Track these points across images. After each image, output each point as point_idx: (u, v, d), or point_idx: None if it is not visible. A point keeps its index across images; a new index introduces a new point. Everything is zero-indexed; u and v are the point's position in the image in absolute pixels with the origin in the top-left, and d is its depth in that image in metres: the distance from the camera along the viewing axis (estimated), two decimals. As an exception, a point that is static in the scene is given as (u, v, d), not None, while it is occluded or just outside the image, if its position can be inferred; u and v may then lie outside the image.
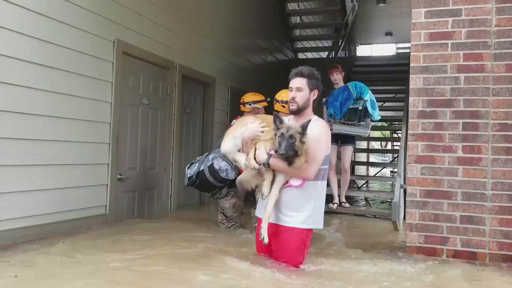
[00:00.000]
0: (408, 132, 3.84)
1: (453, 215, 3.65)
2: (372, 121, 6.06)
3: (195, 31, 6.29)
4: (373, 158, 19.09)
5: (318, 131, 2.97)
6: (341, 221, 5.64)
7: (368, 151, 15.31)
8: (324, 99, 6.21)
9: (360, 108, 5.88)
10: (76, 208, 4.35)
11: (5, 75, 3.62)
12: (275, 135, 2.89)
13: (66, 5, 4.17)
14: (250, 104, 4.72)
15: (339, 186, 6.11)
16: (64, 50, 4.16)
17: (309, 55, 11.93)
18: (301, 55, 11.59)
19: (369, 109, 5.74)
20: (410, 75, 3.83)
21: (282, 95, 4.54)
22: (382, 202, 7.72)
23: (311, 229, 3.12)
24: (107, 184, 4.72)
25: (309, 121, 2.86)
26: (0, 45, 3.56)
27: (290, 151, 2.80)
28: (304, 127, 2.84)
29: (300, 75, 3.14)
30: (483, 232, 3.58)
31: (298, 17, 11.30)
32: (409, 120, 3.81)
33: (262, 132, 3.16)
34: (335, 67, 6.39)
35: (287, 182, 3.05)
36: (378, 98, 10.29)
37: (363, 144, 15.82)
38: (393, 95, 9.90)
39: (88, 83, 4.45)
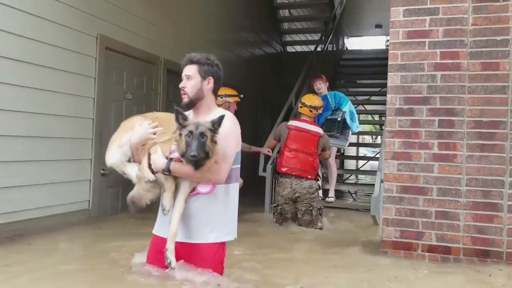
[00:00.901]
0: (386, 129, 3.90)
1: (428, 211, 3.73)
2: (352, 133, 6.09)
3: (180, 26, 6.30)
4: (365, 151, 19.19)
5: (227, 126, 2.43)
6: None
7: (358, 145, 15.43)
8: None
9: (339, 119, 5.96)
10: (59, 204, 4.38)
11: (-15, 71, 3.63)
12: (180, 134, 2.31)
13: (47, 1, 4.17)
14: (221, 97, 4.78)
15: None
16: (45, 46, 4.16)
17: (298, 48, 11.95)
18: (290, 49, 11.61)
19: (348, 120, 5.75)
20: (388, 73, 3.88)
21: (310, 99, 4.71)
22: (368, 196, 7.81)
23: (225, 242, 2.59)
24: (90, 180, 4.75)
25: (221, 117, 2.34)
26: (-20, 42, 3.57)
27: (202, 153, 2.26)
28: (215, 123, 2.32)
29: (190, 61, 2.58)
30: (458, 227, 3.66)
31: (287, 10, 11.30)
32: (387, 117, 3.87)
33: (154, 134, 2.51)
34: (318, 77, 6.39)
35: (193, 189, 2.47)
36: (365, 92, 10.46)
37: (353, 138, 15.95)
38: (379, 89, 9.95)
39: (70, 79, 4.46)
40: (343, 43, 12.79)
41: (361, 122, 13.23)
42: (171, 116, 2.42)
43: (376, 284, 2.95)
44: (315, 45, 9.47)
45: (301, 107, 5.08)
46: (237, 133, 2.53)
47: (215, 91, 2.59)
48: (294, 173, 4.79)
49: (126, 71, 5.30)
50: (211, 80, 2.55)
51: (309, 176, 4.79)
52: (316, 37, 12.22)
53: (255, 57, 9.46)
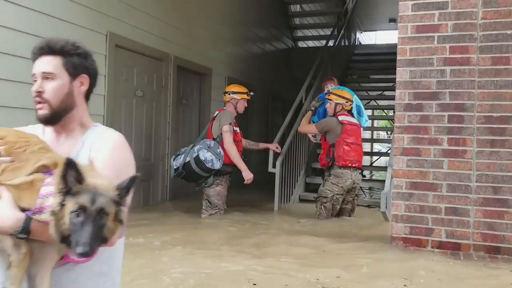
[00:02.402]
0: (395, 124, 3.87)
1: (438, 207, 3.70)
2: (363, 128, 5.96)
3: (190, 22, 6.32)
4: (379, 147, 19.06)
5: (119, 158, 1.48)
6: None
7: (372, 140, 15.36)
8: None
9: None
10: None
11: (-3, 70, 3.69)
12: (62, 204, 1.16)
13: None
14: (229, 94, 4.81)
15: None
16: (56, 44, 4.20)
17: (310, 43, 11.90)
18: (301, 44, 11.57)
19: (355, 115, 5.69)
20: (397, 68, 3.85)
21: (347, 94, 5.17)
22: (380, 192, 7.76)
23: None
24: (101, 176, 4.79)
25: (132, 179, 1.23)
26: (-9, 41, 3.63)
27: (96, 245, 1.18)
28: (123, 189, 1.23)
29: (48, 50, 1.52)
30: (468, 223, 3.63)
31: (298, 5, 11.25)
32: (396, 112, 3.85)
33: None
34: (330, 79, 6.38)
35: (62, 257, 1.32)
36: (377, 87, 10.37)
37: (366, 134, 15.86)
38: (392, 84, 9.87)
39: (81, 77, 4.50)
40: (356, 38, 12.69)
41: (375, 118, 13.25)
42: (27, 137, 1.38)
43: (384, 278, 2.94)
44: (326, 40, 9.42)
45: (347, 102, 5.25)
46: (132, 164, 1.52)
47: (88, 96, 1.57)
48: (354, 165, 5.06)
49: (136, 68, 5.34)
50: (86, 80, 1.53)
51: (361, 166, 5.25)
52: (328, 32, 12.15)
53: (266, 53, 9.45)
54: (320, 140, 5.53)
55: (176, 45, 5.98)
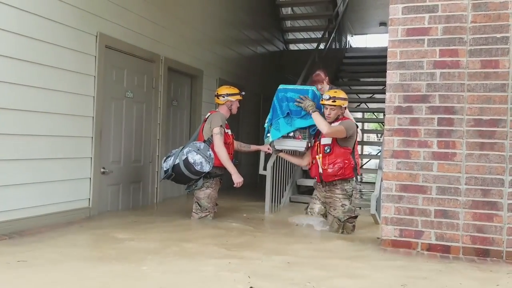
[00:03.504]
0: (385, 127, 3.88)
1: (427, 209, 3.71)
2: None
3: (181, 24, 6.30)
4: (370, 149, 19.13)
5: None
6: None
7: (363, 143, 15.37)
8: None
9: None
10: (59, 202, 4.39)
11: (-16, 70, 3.64)
12: None
13: None
14: (223, 97, 4.77)
15: None
16: (45, 44, 4.17)
17: (301, 46, 11.93)
18: (292, 47, 11.60)
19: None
20: (387, 71, 3.86)
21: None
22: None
23: None
24: (90, 178, 4.76)
25: None
26: (-22, 41, 3.58)
27: None
28: None
29: None
30: (457, 226, 3.64)
31: (290, 8, 11.28)
32: (386, 115, 3.85)
33: None
34: (316, 75, 5.86)
35: None
36: (368, 90, 10.42)
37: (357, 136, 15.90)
38: (383, 87, 9.92)
39: (70, 77, 4.47)
40: (346, 41, 12.74)
41: (365, 120, 13.30)
42: None
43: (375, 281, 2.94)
44: (316, 43, 9.45)
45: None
46: None
47: None
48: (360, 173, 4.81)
49: (126, 70, 5.31)
50: None
51: None
52: (319, 35, 12.20)
53: (257, 55, 9.45)
54: (308, 148, 4.59)
55: (166, 46, 5.96)
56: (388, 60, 3.85)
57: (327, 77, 5.99)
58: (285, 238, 4.15)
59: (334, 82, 9.83)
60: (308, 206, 4.62)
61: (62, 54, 4.36)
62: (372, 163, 11.65)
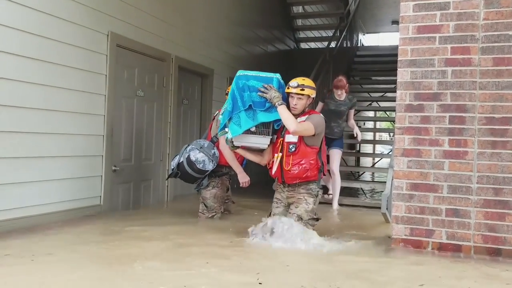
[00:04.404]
0: (395, 125, 3.85)
1: (438, 208, 3.68)
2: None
3: (192, 22, 6.32)
4: (382, 148, 19.01)
5: None
6: (333, 212, 5.72)
7: (375, 142, 15.31)
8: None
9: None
10: (71, 199, 4.44)
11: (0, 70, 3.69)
12: None
13: (58, -1, 4.23)
14: None
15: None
16: (57, 43, 4.21)
17: (312, 45, 11.90)
18: (303, 45, 11.57)
19: None
20: (398, 69, 3.83)
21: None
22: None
23: None
24: (101, 176, 4.80)
25: None
26: (-8, 40, 3.63)
27: None
28: None
29: None
30: (468, 225, 3.60)
31: (301, 6, 11.26)
32: (397, 113, 3.83)
33: None
34: (339, 80, 6.02)
35: None
36: (379, 88, 10.35)
37: (369, 135, 15.84)
38: (394, 85, 9.85)
39: (81, 76, 4.51)
40: (358, 40, 12.68)
41: (377, 119, 13.23)
42: None
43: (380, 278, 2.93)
44: (327, 42, 9.42)
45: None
46: None
47: None
48: None
49: (137, 68, 5.34)
50: None
51: None
52: (330, 33, 12.16)
53: (268, 54, 9.44)
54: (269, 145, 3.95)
55: (177, 45, 5.98)
56: (399, 58, 3.82)
57: (347, 83, 6.07)
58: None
59: (348, 83, 9.80)
60: (270, 213, 4.06)
61: (74, 53, 4.40)
62: (384, 162, 11.58)
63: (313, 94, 3.85)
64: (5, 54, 3.74)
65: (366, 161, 14.86)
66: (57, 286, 2.56)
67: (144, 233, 3.92)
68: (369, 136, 15.78)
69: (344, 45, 10.41)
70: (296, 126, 3.64)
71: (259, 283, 2.69)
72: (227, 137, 3.88)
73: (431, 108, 3.73)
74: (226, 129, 3.85)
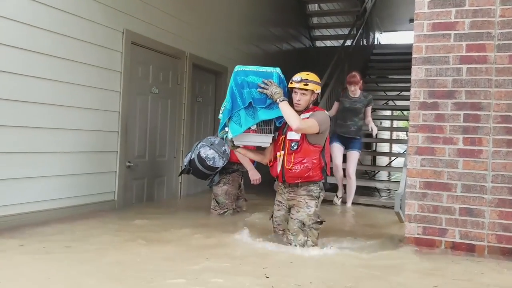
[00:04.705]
0: (409, 123, 3.82)
1: (452, 207, 3.64)
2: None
3: (206, 20, 6.34)
4: (399, 148, 18.82)
5: None
6: (347, 211, 5.70)
7: (391, 141, 15.18)
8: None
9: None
10: (86, 194, 4.51)
11: (15, 66, 3.76)
12: None
13: (74, -3, 4.29)
14: None
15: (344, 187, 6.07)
16: (73, 40, 4.27)
17: (328, 43, 11.85)
18: (319, 43, 11.52)
19: None
20: (412, 66, 3.80)
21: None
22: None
23: None
24: (116, 171, 4.86)
25: None
26: (10, 37, 3.70)
27: None
28: None
29: None
30: (482, 224, 3.56)
31: (316, 4, 11.21)
32: (410, 111, 3.79)
33: None
34: (352, 76, 5.96)
35: None
36: (395, 87, 10.25)
37: (386, 134, 15.71)
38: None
39: (97, 73, 4.57)
40: (374, 38, 12.58)
41: (394, 118, 13.12)
42: None
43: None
44: (343, 40, 9.37)
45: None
46: None
47: None
48: None
49: (151, 66, 5.38)
50: None
51: None
52: (346, 32, 12.09)
53: (283, 52, 9.43)
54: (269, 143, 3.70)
55: (191, 43, 6.01)
56: (414, 55, 3.79)
57: (361, 80, 6.00)
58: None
59: (363, 79, 9.73)
60: (272, 215, 3.84)
61: (90, 50, 4.46)
62: (401, 162, 11.48)
63: (317, 89, 3.62)
64: (23, 50, 3.81)
65: (382, 161, 14.72)
66: (70, 277, 2.60)
67: (156, 228, 3.97)
68: (385, 135, 15.67)
69: (360, 43, 10.34)
70: (300, 123, 3.39)
71: (266, 277, 2.70)
72: (227, 137, 3.66)
73: (446, 106, 3.69)
74: (226, 129, 3.63)
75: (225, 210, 4.63)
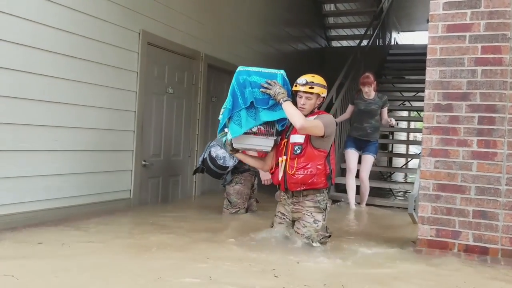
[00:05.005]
0: (423, 125, 3.81)
1: (465, 210, 3.62)
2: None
3: (221, 21, 6.39)
4: (416, 150, 18.64)
5: None
6: (362, 211, 5.70)
7: (408, 142, 15.06)
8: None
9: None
10: (102, 192, 4.59)
11: (34, 66, 3.85)
12: None
13: (93, -2, 4.37)
14: None
15: (357, 193, 6.01)
16: (91, 41, 4.36)
17: (344, 43, 11.81)
18: (335, 43, 11.50)
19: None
20: (427, 68, 3.79)
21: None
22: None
23: None
24: (131, 170, 4.94)
25: None
26: (29, 38, 3.79)
27: None
28: None
29: None
30: (496, 227, 3.53)
31: (332, 4, 11.19)
32: (424, 113, 3.78)
33: None
34: (366, 77, 5.92)
35: None
36: (412, 88, 10.18)
37: (403, 136, 15.58)
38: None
39: (114, 73, 4.65)
40: (391, 38, 12.49)
41: (411, 119, 13.00)
42: None
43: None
44: (359, 40, 9.34)
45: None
46: None
47: None
48: None
49: (167, 66, 5.45)
50: None
51: None
52: (362, 32, 12.03)
53: (298, 52, 9.44)
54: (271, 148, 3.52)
55: (207, 43, 6.07)
56: (428, 57, 3.78)
57: (375, 81, 5.95)
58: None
59: (377, 80, 9.69)
60: (272, 224, 3.70)
61: (107, 51, 4.54)
62: (416, 163, 11.39)
63: (323, 93, 3.47)
64: (42, 51, 3.90)
65: (398, 162, 14.62)
66: (87, 272, 2.67)
67: (170, 226, 4.03)
68: (402, 136, 15.54)
69: (377, 43, 10.29)
70: (304, 121, 3.21)
71: (275, 277, 2.73)
72: (226, 139, 3.48)
73: (460, 108, 3.67)
74: (226, 130, 3.46)
75: (237, 209, 4.67)
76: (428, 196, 3.75)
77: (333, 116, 6.39)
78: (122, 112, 4.79)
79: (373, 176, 7.47)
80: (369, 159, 5.91)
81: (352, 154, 5.92)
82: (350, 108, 6.12)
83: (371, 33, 9.62)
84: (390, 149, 13.43)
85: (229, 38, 6.62)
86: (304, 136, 3.35)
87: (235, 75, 3.44)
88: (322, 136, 3.35)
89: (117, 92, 4.70)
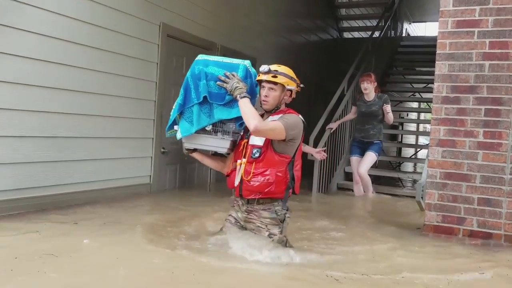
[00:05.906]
0: (432, 116, 3.99)
1: (471, 197, 3.81)
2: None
3: (236, 12, 6.57)
4: (425, 140, 18.70)
5: None
6: (368, 200, 5.90)
7: (417, 133, 15.17)
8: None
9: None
10: (123, 177, 4.84)
11: (63, 57, 4.07)
12: None
13: (116, -8, 4.58)
14: None
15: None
16: (113, 33, 4.57)
17: (356, 34, 11.91)
18: (346, 35, 11.60)
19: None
20: (436, 62, 3.96)
21: None
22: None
23: None
24: (151, 157, 5.18)
25: None
26: (59, 31, 4.01)
27: None
28: None
29: None
30: (500, 214, 3.73)
31: (345, -5, 11.28)
32: (433, 105, 3.96)
33: None
34: (366, 75, 6.01)
35: None
36: (422, 79, 10.30)
37: (413, 127, 15.69)
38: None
39: (136, 64, 4.87)
40: (402, 29, 12.55)
41: (421, 110, 13.09)
42: None
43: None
44: (371, 31, 9.45)
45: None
46: None
47: None
48: None
49: (185, 57, 5.65)
50: None
51: None
52: (374, 23, 12.10)
53: (310, 43, 9.58)
54: (233, 148, 3.10)
55: (222, 35, 6.25)
56: (438, 51, 3.95)
57: (376, 82, 6.00)
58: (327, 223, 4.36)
59: (388, 71, 9.83)
60: (221, 229, 3.21)
61: (129, 43, 4.75)
62: (425, 154, 11.54)
63: (290, 85, 2.93)
64: (69, 43, 4.12)
65: (408, 152, 14.75)
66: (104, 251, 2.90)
67: (183, 210, 4.27)
68: (412, 127, 15.65)
69: (388, 35, 10.39)
70: (258, 123, 2.74)
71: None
72: (178, 138, 3.06)
73: (467, 100, 3.85)
74: (176, 127, 3.08)
75: None
76: (435, 184, 3.94)
77: (342, 114, 6.60)
78: (143, 101, 5.01)
79: (382, 165, 7.66)
80: (370, 155, 5.88)
81: (356, 162, 6.02)
82: (353, 109, 6.29)
83: (383, 24, 9.72)
84: (400, 140, 13.55)
85: (243, 30, 6.80)
86: (264, 138, 2.90)
87: (192, 66, 3.02)
88: (284, 140, 2.89)
89: (139, 83, 4.92)
